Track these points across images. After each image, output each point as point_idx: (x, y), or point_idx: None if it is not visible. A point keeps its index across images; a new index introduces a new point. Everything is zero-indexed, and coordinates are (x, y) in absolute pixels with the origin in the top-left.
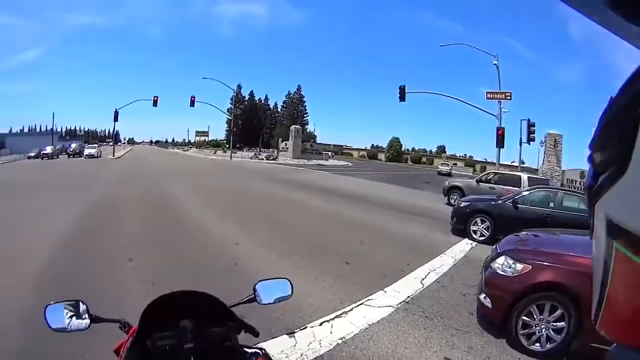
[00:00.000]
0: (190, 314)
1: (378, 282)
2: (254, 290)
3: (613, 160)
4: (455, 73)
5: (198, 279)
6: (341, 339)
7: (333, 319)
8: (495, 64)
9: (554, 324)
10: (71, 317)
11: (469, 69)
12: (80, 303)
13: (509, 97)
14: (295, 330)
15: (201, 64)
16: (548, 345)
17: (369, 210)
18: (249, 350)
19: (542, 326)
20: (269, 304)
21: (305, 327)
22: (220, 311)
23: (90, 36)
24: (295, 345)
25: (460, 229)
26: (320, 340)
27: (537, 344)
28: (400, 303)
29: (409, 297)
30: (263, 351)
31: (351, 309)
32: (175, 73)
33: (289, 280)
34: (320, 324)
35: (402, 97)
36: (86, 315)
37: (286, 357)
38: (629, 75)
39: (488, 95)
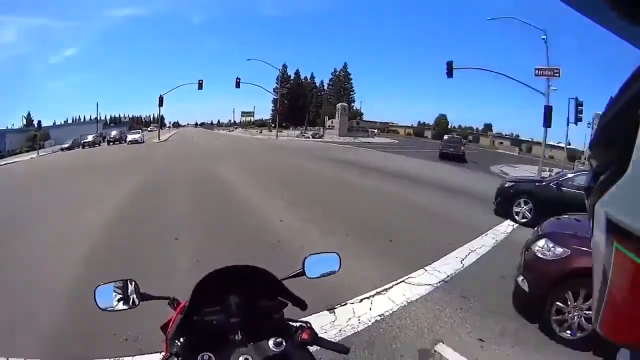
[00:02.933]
0: (240, 288)
1: (419, 260)
2: (303, 264)
3: (613, 160)
4: (503, 48)
5: (242, 257)
6: (380, 315)
7: (373, 295)
8: (543, 39)
9: (587, 312)
10: (120, 296)
11: (518, 45)
12: (129, 282)
13: (557, 74)
14: (336, 307)
15: (245, 45)
16: (579, 334)
17: (411, 187)
18: (296, 324)
19: (575, 313)
20: (317, 277)
21: (346, 304)
22: (270, 284)
23: (129, 28)
24: (334, 321)
25: (503, 210)
26: (359, 317)
27: (569, 331)
28: (440, 282)
29: (448, 276)
30: (309, 324)
31: (391, 287)
32: (219, 56)
33: (337, 254)
34: (361, 301)
35: (450, 73)
36: (135, 294)
37: (325, 332)
38: (629, 75)
39: (536, 72)
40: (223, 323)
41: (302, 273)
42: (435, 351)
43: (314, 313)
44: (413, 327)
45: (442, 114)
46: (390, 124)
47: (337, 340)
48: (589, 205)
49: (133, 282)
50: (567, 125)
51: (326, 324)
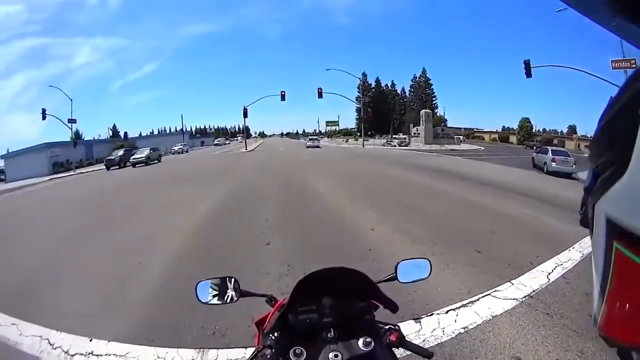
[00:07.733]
0: (334, 289)
1: (506, 273)
2: (395, 269)
3: (613, 160)
4: (574, 42)
5: (334, 264)
6: (464, 328)
7: (459, 307)
8: None
9: None
10: (217, 292)
11: (589, 36)
12: (228, 279)
13: (634, 65)
14: (422, 316)
15: (324, 56)
16: None
17: (499, 196)
18: (384, 327)
19: None
20: (408, 282)
21: (432, 314)
22: (363, 286)
23: (206, 43)
24: (419, 331)
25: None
26: (443, 328)
27: None
28: (525, 297)
29: (533, 291)
30: (397, 327)
31: (477, 299)
32: (299, 68)
33: (428, 260)
34: (447, 312)
35: (528, 73)
36: (234, 291)
37: (409, 340)
38: (629, 76)
39: (613, 65)
40: (316, 322)
41: (395, 277)
42: None
43: (400, 321)
44: (494, 342)
45: (526, 117)
46: (475, 130)
47: None
48: (589, 206)
49: (233, 280)
50: None
51: (411, 333)
